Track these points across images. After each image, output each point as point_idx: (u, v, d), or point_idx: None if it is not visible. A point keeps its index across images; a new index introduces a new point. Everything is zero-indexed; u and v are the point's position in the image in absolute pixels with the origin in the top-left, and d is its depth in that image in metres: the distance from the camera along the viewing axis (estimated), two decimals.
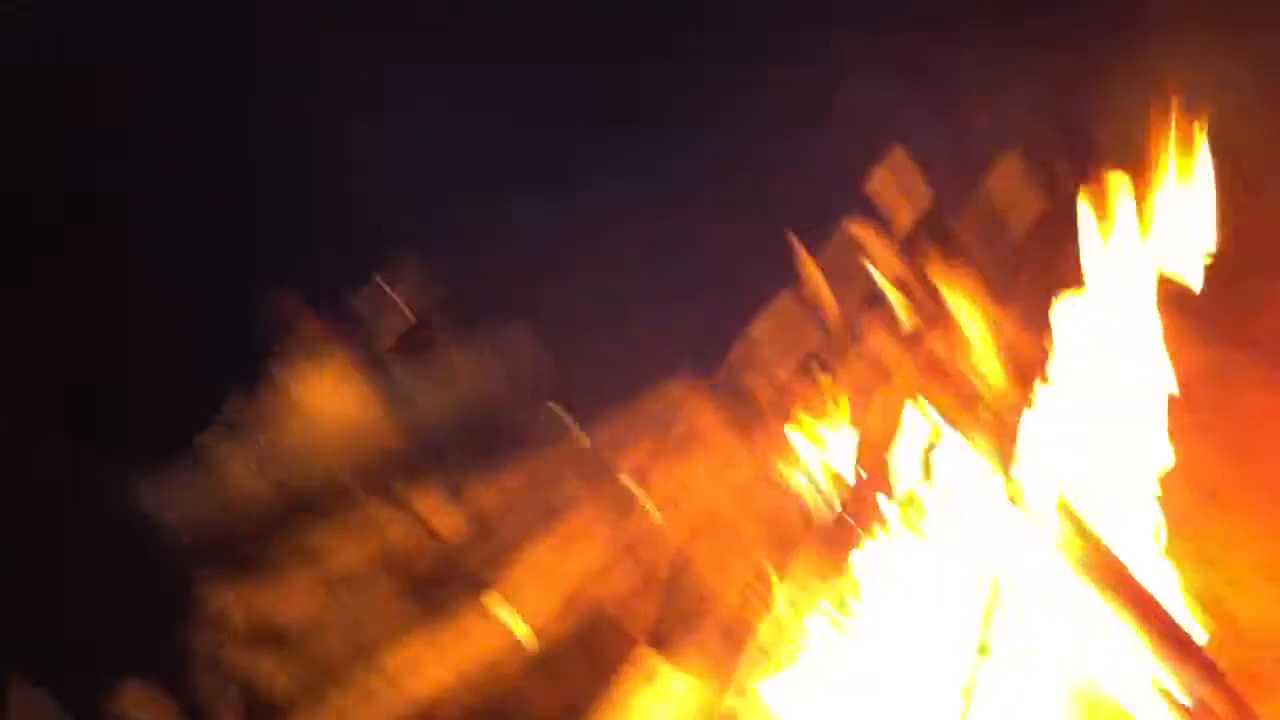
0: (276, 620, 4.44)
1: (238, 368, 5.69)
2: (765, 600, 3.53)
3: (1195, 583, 3.99)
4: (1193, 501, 3.90)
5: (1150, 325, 3.79)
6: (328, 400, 5.81)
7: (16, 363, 5.66)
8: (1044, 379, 3.24)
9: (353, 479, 5.36)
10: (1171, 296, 3.77)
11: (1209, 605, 3.98)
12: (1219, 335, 5.19)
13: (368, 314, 6.30)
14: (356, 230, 7.37)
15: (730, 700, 3.37)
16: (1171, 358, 3.84)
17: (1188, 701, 3.52)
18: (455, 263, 7.41)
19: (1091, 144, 3.48)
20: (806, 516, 4.12)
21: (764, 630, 3.53)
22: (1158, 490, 3.87)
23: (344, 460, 5.60)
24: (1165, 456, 3.85)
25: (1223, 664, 3.56)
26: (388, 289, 6.27)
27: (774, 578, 3.74)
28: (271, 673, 4.21)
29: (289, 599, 4.48)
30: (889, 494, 3.41)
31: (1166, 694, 3.58)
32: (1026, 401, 3.03)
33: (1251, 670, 3.90)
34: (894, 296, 4.05)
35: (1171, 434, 3.85)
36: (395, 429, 5.83)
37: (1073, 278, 3.42)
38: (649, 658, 3.85)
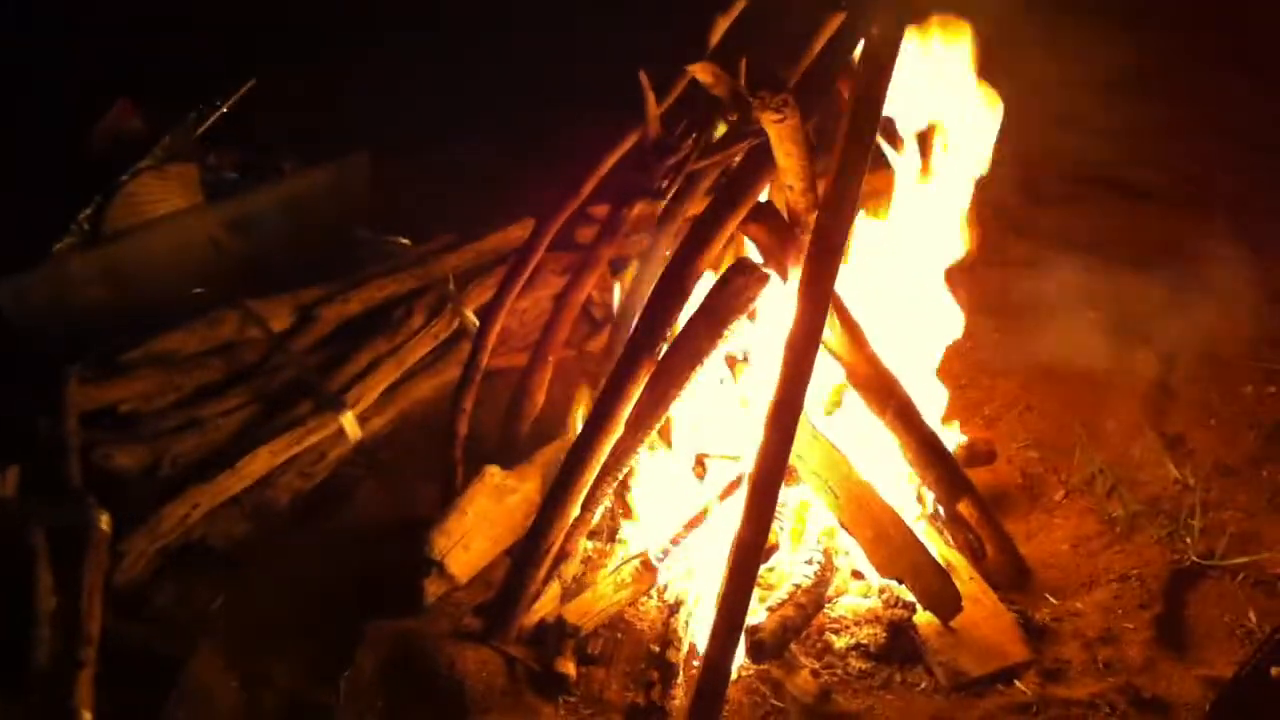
0: (125, 412, 4.56)
1: (89, 181, 5.76)
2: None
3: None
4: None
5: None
6: (177, 215, 5.92)
7: None
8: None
9: (205, 291, 5.50)
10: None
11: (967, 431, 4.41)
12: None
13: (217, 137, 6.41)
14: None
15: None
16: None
17: (943, 510, 3.95)
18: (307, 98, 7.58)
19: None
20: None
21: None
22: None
23: (192, 273, 5.74)
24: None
25: (980, 486, 3.97)
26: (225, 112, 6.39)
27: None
28: (123, 460, 4.35)
29: (140, 396, 4.59)
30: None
31: (924, 502, 4.00)
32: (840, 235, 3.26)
33: (1000, 490, 4.38)
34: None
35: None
36: (242, 246, 5.98)
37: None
38: (491, 470, 4.10)
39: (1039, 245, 6.14)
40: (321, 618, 3.83)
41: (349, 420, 4.73)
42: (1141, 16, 7.30)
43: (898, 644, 3.60)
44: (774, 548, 3.80)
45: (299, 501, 4.61)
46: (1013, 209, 6.41)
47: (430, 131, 7.50)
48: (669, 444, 4.20)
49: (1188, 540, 3.90)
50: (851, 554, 3.84)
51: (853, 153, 3.32)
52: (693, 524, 3.86)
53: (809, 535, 3.91)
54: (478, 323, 5.02)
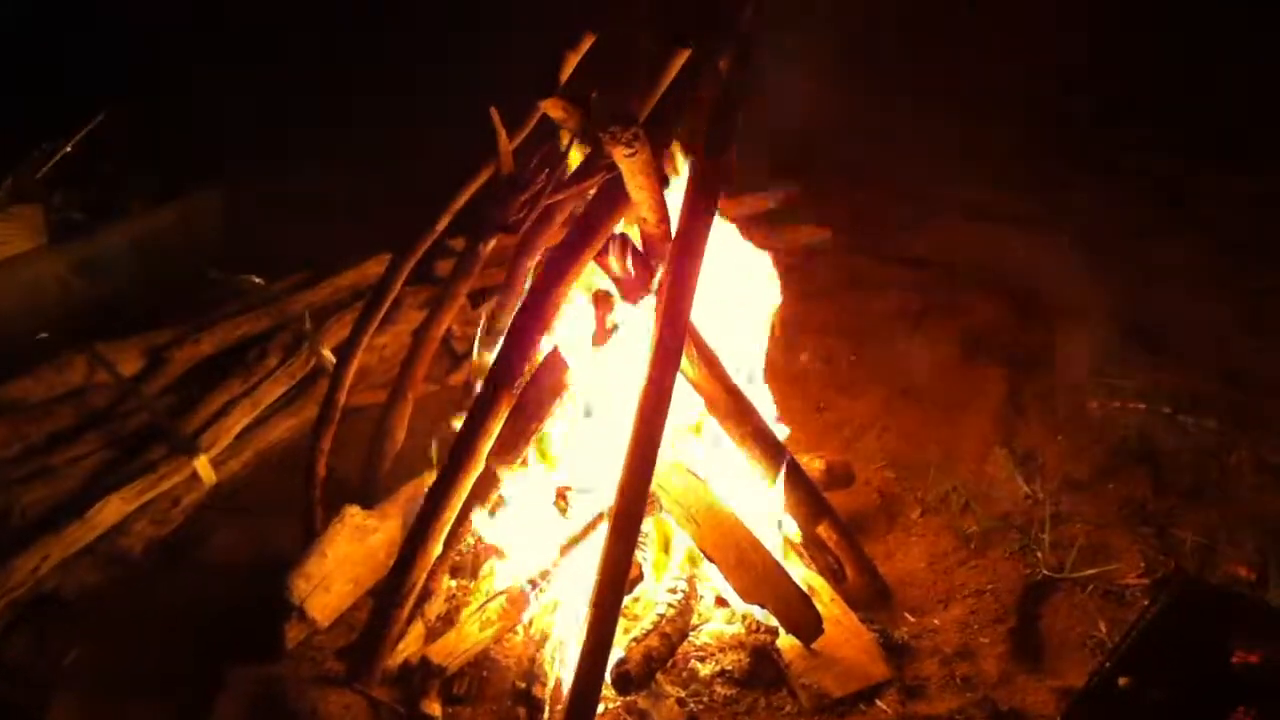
0: None
1: None
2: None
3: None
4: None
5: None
6: (20, 259, 5.78)
7: None
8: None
9: (51, 336, 5.37)
10: None
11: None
12: None
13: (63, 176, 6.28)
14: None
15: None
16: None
17: (802, 535, 4.00)
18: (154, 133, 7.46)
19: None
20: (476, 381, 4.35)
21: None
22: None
23: (38, 317, 5.60)
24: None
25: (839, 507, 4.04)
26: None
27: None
28: None
29: None
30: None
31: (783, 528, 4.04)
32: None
33: (859, 511, 4.45)
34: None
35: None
36: (90, 288, 5.84)
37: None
38: (350, 510, 4.04)
39: (892, 267, 6.29)
40: (181, 666, 3.73)
41: (203, 464, 4.64)
42: None
43: (762, 668, 3.63)
44: (638, 578, 3.81)
45: (154, 548, 4.51)
46: (868, 233, 6.58)
47: (282, 163, 7.42)
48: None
49: (1039, 554, 4.01)
50: (714, 581, 3.86)
51: (703, 185, 3.38)
52: (557, 558, 3.85)
53: (672, 564, 3.92)
54: (335, 360, 4.96)
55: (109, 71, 7.68)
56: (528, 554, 3.92)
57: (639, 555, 3.82)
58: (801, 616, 3.62)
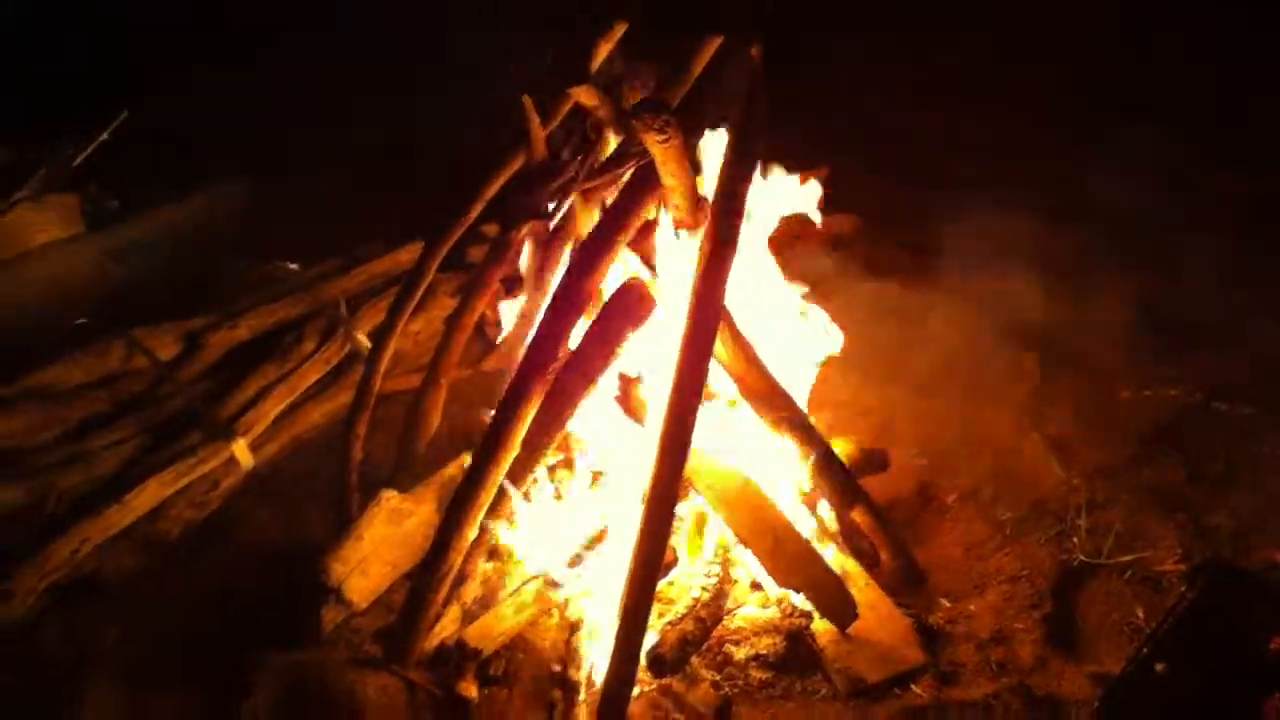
0: (7, 448, 4.43)
1: None
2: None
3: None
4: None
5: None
6: (57, 245, 5.82)
7: None
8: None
9: (88, 321, 5.41)
10: None
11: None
12: None
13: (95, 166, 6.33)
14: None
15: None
16: None
17: (836, 519, 4.01)
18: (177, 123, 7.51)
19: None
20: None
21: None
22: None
23: (75, 303, 5.64)
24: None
25: (874, 493, 4.04)
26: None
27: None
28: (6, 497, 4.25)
29: (23, 431, 4.48)
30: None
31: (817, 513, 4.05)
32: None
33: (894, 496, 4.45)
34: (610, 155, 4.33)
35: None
36: (126, 275, 5.88)
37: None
38: (387, 494, 4.07)
39: (925, 256, 6.27)
40: (217, 649, 3.73)
41: (240, 448, 4.67)
42: None
43: (796, 653, 3.64)
44: (672, 562, 3.82)
45: (192, 531, 4.54)
46: (901, 222, 6.57)
47: (281, 163, 7.47)
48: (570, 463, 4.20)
49: (1075, 540, 4.00)
50: (749, 565, 3.86)
51: (737, 169, 3.39)
52: (593, 542, 3.87)
53: (706, 548, 3.93)
54: (370, 345, 4.98)
55: (109, 71, 7.73)
56: (563, 538, 3.95)
57: (673, 539, 3.83)
58: (836, 601, 3.62)
